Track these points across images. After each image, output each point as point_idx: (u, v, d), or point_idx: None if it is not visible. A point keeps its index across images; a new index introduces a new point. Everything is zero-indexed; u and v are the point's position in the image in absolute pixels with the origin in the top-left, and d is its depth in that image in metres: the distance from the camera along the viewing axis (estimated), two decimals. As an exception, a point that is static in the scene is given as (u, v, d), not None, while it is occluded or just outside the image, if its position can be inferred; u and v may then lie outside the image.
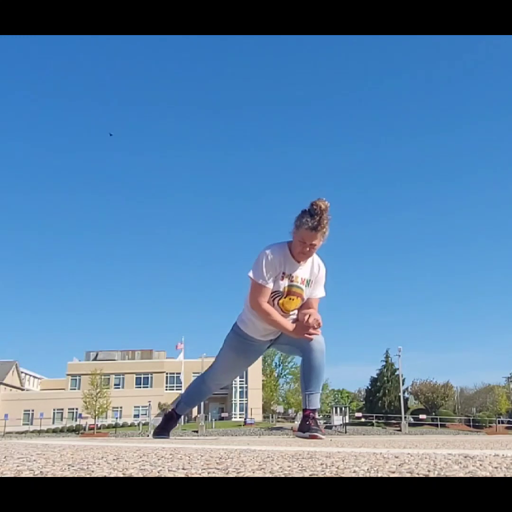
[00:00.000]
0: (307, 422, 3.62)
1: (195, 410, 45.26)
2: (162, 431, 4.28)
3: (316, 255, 3.69)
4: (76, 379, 61.58)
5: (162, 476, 1.23)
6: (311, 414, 3.65)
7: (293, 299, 3.61)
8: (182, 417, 4.59)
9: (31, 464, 1.49)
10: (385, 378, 52.98)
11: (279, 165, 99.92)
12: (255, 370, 58.14)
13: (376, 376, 53.94)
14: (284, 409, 61.78)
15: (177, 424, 4.45)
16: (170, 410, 4.39)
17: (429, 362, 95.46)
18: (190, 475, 1.23)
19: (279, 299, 3.58)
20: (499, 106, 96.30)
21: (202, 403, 46.05)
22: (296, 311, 3.70)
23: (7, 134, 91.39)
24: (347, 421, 43.09)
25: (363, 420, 49.24)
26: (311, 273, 3.65)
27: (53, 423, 54.63)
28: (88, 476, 1.23)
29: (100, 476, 1.23)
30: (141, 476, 1.23)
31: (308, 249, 3.50)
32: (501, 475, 1.16)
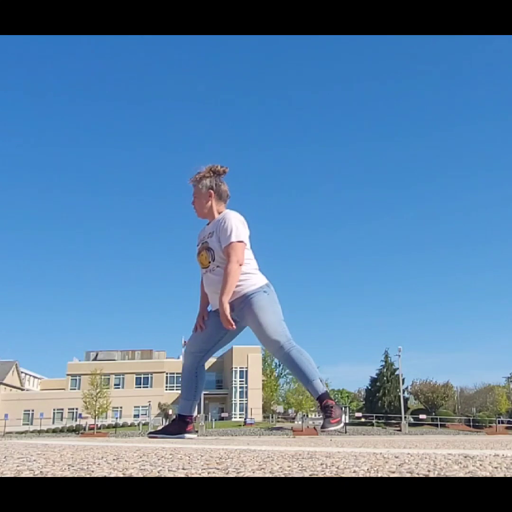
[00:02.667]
0: (322, 412, 3.68)
1: (195, 410, 45.14)
2: (158, 431, 4.17)
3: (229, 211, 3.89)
4: (76, 379, 61.56)
5: (162, 476, 1.23)
6: (323, 403, 3.65)
7: (202, 254, 3.85)
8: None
9: (31, 464, 1.49)
10: (385, 378, 52.95)
11: (279, 164, 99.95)
12: (255, 370, 58.18)
13: (375, 376, 53.92)
14: (284, 409, 61.71)
15: (184, 429, 3.95)
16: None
17: (429, 362, 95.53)
18: (190, 475, 1.23)
19: (197, 259, 3.92)
20: (499, 106, 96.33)
21: (202, 403, 46.01)
22: (221, 263, 3.74)
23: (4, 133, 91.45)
24: (347, 421, 43.06)
25: (363, 420, 49.20)
26: (215, 225, 3.81)
27: (53, 423, 54.57)
28: (88, 476, 1.23)
29: (100, 476, 1.23)
30: (141, 476, 1.23)
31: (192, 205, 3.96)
32: (501, 475, 1.16)
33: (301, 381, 3.76)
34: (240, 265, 3.68)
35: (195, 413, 4.10)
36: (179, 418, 4.00)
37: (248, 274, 3.75)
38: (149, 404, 55.30)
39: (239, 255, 3.68)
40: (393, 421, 47.87)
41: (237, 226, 3.73)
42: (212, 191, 3.86)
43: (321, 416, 3.81)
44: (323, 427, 3.60)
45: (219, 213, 3.88)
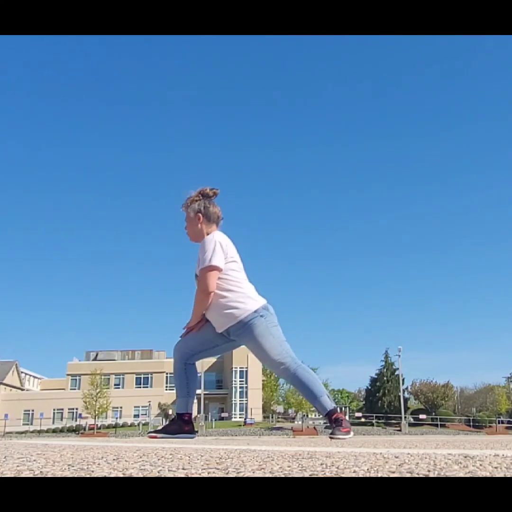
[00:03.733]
0: (331, 425, 3.69)
1: (195, 410, 45.50)
2: (158, 431, 4.16)
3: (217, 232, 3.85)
4: (76, 379, 61.60)
5: (162, 476, 1.23)
6: (333, 417, 3.67)
7: (196, 280, 3.81)
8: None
9: (31, 464, 1.49)
10: (385, 378, 52.99)
11: (279, 165, 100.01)
12: (255, 370, 58.19)
13: (375, 376, 53.97)
14: (284, 409, 61.74)
15: (184, 428, 4.04)
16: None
17: (429, 362, 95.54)
18: (190, 475, 1.23)
19: None
20: (500, 106, 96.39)
21: (202, 403, 46.06)
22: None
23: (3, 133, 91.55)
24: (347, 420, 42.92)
25: (363, 420, 49.24)
26: (198, 250, 3.79)
27: (53, 423, 54.60)
28: (88, 476, 1.23)
29: (100, 476, 1.23)
30: (141, 476, 1.23)
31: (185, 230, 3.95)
32: (501, 475, 1.16)
33: (308, 398, 3.75)
34: (209, 292, 3.63)
35: (195, 413, 4.09)
36: (177, 417, 4.00)
37: (242, 299, 3.69)
38: (149, 404, 55.30)
39: (208, 282, 3.63)
40: (393, 421, 47.91)
41: (211, 249, 3.65)
42: (200, 214, 3.86)
43: (321, 416, 3.81)
44: (332, 434, 3.60)
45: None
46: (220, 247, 3.69)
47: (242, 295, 3.70)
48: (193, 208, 3.89)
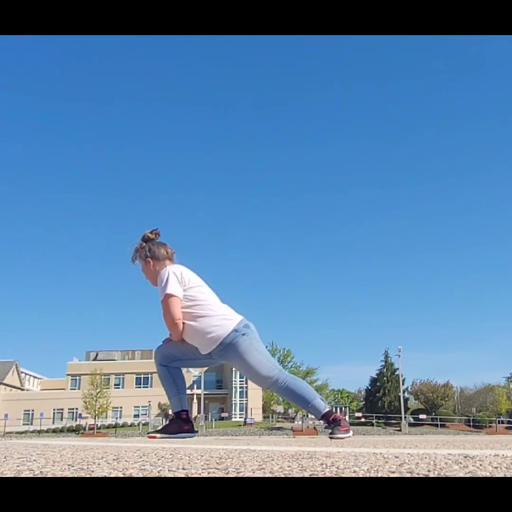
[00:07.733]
0: (330, 425, 3.71)
1: (195, 410, 45.57)
2: (157, 431, 4.17)
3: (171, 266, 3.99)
4: (76, 379, 61.62)
5: (162, 476, 1.23)
6: (331, 418, 3.69)
7: None
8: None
9: (31, 464, 1.49)
10: (385, 378, 53.02)
11: (279, 165, 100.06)
12: (255, 370, 58.11)
13: (375, 376, 54.00)
14: (284, 409, 61.73)
15: (183, 428, 4.05)
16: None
17: (429, 362, 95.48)
18: (190, 475, 1.23)
19: None
20: (500, 106, 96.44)
21: (202, 403, 46.07)
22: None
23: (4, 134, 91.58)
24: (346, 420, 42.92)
25: (363, 420, 49.26)
26: None
27: (53, 423, 54.62)
28: (88, 476, 1.23)
29: (100, 476, 1.23)
30: (141, 476, 1.23)
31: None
32: (501, 475, 1.16)
33: (302, 405, 3.80)
34: (175, 321, 3.74)
35: (195, 413, 4.10)
36: (175, 416, 3.99)
37: (218, 322, 3.73)
38: (149, 404, 55.31)
39: (170, 311, 3.75)
40: (393, 421, 47.92)
41: (164, 280, 3.79)
42: (148, 259, 4.02)
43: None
44: (332, 433, 3.62)
45: None
46: (174, 276, 3.82)
47: (217, 317, 3.75)
48: (141, 256, 4.06)
